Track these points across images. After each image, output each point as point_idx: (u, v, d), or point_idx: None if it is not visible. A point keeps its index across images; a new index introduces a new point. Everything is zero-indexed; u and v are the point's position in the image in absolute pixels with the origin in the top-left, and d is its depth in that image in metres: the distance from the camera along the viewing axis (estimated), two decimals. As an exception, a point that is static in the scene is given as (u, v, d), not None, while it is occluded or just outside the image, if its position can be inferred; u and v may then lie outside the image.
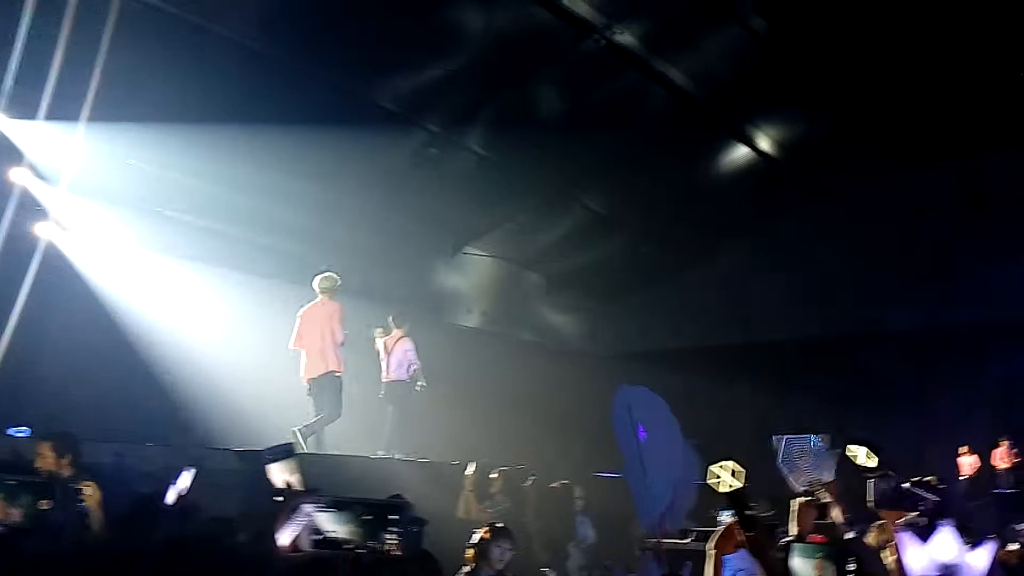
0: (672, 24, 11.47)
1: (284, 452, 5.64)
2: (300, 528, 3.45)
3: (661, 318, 17.06)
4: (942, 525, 4.07)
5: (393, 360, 10.15)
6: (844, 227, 15.65)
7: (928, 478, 5.75)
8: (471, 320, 15.23)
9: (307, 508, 3.47)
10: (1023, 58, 12.27)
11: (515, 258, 16.04)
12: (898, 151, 14.81)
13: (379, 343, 10.36)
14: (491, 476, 8.35)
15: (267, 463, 5.34)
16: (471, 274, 15.44)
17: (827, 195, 16.03)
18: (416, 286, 12.84)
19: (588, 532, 8.95)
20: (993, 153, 14.41)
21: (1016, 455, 14.04)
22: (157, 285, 10.66)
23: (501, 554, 5.69)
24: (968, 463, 14.13)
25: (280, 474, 5.45)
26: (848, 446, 8.66)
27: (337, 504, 3.53)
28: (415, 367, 10.11)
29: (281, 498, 4.75)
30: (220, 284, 11.22)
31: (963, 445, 14.15)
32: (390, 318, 10.45)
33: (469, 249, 15.22)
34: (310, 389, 8.98)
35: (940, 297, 14.69)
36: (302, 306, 9.40)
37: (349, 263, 11.96)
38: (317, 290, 9.20)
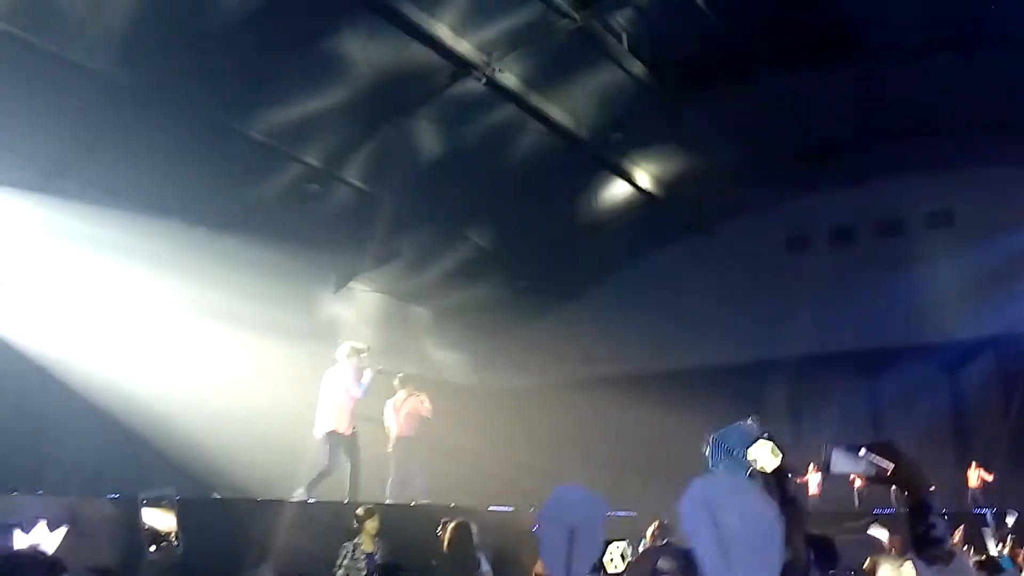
0: (552, 64, 11.72)
1: (160, 498, 5.44)
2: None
3: (538, 353, 17.21)
4: None
5: (403, 417, 10.77)
6: (718, 260, 16.24)
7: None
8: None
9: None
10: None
11: (400, 293, 15.94)
12: (772, 187, 15.56)
13: (388, 403, 10.93)
14: (358, 514, 8.15)
15: (143, 508, 5.18)
16: (356, 309, 15.26)
17: (701, 230, 16.63)
18: (300, 321, 12.55)
19: (486, 567, 8.89)
20: (858, 189, 15.30)
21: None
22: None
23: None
24: (816, 481, 14.22)
25: (155, 520, 5.23)
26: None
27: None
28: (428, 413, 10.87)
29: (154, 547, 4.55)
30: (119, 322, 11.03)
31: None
32: (395, 382, 10.95)
33: (354, 285, 15.08)
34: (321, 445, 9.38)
35: (813, 326, 15.37)
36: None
37: (232, 298, 11.70)
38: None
